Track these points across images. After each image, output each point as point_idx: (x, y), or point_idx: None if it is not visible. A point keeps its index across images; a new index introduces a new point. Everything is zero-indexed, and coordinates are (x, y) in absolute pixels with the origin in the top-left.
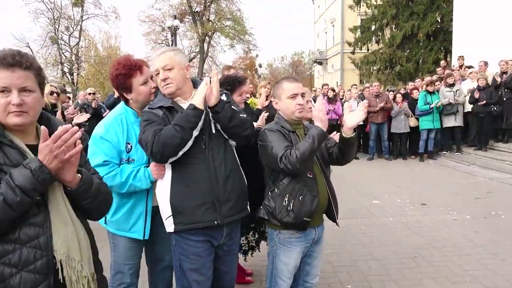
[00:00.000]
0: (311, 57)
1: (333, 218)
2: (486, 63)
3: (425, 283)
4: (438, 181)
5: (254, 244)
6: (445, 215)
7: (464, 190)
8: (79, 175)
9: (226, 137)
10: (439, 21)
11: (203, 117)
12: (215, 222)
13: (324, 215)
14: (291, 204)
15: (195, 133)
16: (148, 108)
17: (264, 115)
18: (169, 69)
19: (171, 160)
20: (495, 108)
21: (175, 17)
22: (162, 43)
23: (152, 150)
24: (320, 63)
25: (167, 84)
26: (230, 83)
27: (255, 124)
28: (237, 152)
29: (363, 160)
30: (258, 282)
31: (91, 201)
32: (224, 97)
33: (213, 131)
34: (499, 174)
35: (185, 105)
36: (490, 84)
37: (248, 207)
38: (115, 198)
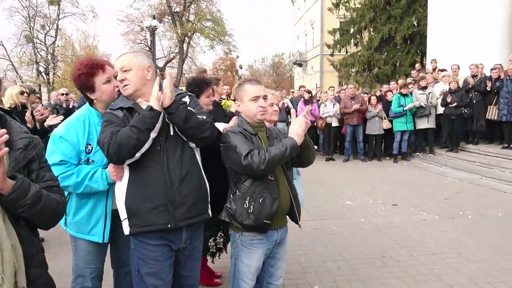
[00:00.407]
0: (291, 59)
1: (295, 220)
2: (458, 67)
3: (391, 282)
4: (410, 182)
5: (221, 246)
6: (415, 216)
7: (434, 191)
8: (13, 181)
9: (185, 139)
10: (416, 24)
11: (160, 118)
12: (168, 225)
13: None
14: (252, 206)
15: (153, 135)
16: (109, 109)
17: (236, 119)
18: (126, 71)
19: (128, 161)
20: (466, 111)
21: (154, 17)
22: (140, 43)
23: (108, 151)
24: (300, 65)
25: (125, 86)
26: (197, 85)
27: (224, 126)
28: (203, 154)
29: (339, 161)
30: (226, 284)
31: (27, 209)
32: (186, 99)
33: (171, 133)
34: (469, 175)
35: (145, 107)
36: (461, 87)
37: (210, 210)
38: (74, 199)
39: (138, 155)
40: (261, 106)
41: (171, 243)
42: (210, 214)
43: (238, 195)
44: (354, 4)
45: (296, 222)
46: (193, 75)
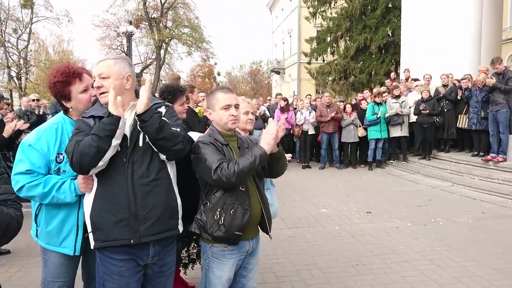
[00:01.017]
0: (269, 66)
1: (265, 231)
2: (431, 77)
3: None
4: (384, 189)
5: (194, 257)
6: (388, 223)
7: (407, 198)
8: None
9: (156, 150)
10: (390, 34)
11: (121, 124)
12: (131, 240)
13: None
14: (222, 218)
15: (115, 141)
16: (81, 116)
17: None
18: (104, 78)
19: (92, 171)
20: (438, 119)
21: (130, 23)
22: (117, 48)
23: (72, 160)
24: (278, 73)
25: (102, 93)
26: (170, 92)
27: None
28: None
29: (315, 169)
30: None
31: None
32: (162, 109)
33: (140, 144)
34: (441, 182)
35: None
36: (432, 96)
37: (180, 226)
38: (45, 209)
39: (101, 164)
40: (233, 115)
41: (137, 258)
42: (181, 230)
43: (209, 206)
44: (331, 13)
45: (267, 233)
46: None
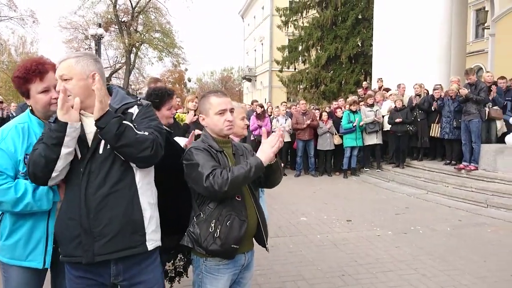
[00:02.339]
0: (241, 74)
1: (262, 242)
2: (405, 86)
3: None
4: (361, 197)
5: (181, 270)
6: (369, 231)
7: (385, 206)
8: None
9: (123, 158)
10: (360, 45)
11: (69, 131)
12: (82, 260)
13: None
14: (218, 230)
15: (66, 150)
16: (49, 121)
17: (194, 133)
18: (66, 80)
19: (50, 182)
20: (411, 128)
21: (99, 26)
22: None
23: (28, 170)
24: (249, 80)
25: (55, 98)
26: (158, 96)
27: (185, 141)
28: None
29: (290, 176)
30: None
31: None
32: (133, 109)
33: (100, 151)
34: (415, 190)
35: (89, 120)
36: (406, 106)
37: (148, 244)
38: (9, 218)
39: (55, 175)
40: (228, 120)
41: (97, 277)
42: (150, 247)
43: (203, 218)
44: (303, 23)
45: (264, 246)
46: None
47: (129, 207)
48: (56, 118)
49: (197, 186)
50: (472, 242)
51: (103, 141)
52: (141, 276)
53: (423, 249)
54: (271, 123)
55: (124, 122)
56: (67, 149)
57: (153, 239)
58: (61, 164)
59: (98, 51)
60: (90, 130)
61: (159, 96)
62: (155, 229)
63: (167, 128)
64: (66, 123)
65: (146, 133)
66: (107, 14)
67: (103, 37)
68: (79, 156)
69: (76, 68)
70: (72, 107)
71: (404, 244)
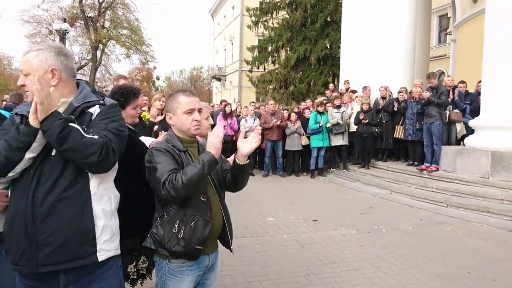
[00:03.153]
0: (210, 73)
1: (227, 244)
2: (370, 89)
3: None
4: (327, 197)
5: (144, 272)
6: (334, 231)
7: (350, 206)
8: None
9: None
10: (328, 47)
11: (39, 136)
12: (22, 269)
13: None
14: (182, 231)
15: (30, 155)
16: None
17: (164, 134)
18: (26, 75)
19: (2, 181)
20: (376, 130)
21: (64, 20)
22: None
23: None
24: (219, 79)
25: (26, 92)
26: (123, 94)
27: (152, 141)
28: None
29: (258, 176)
30: None
31: None
32: (93, 109)
33: (53, 153)
34: (380, 190)
35: None
36: (372, 108)
37: (101, 253)
38: None
39: (12, 174)
40: (196, 120)
41: (47, 286)
42: (101, 258)
43: (166, 218)
44: (273, 23)
45: (228, 247)
46: (106, 83)
47: (78, 215)
48: (27, 122)
49: (156, 190)
50: (432, 241)
51: None
52: (93, 285)
53: (386, 248)
54: (238, 123)
55: (70, 124)
56: (31, 154)
57: (105, 249)
58: (21, 167)
59: None
60: None
61: (124, 94)
62: (110, 239)
63: (132, 128)
64: (37, 129)
65: (96, 137)
66: (73, 8)
67: (68, 32)
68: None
69: (33, 62)
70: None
71: (368, 243)
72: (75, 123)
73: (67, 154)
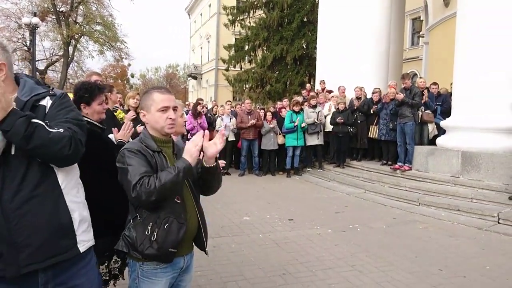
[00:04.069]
0: (186, 71)
1: (202, 246)
2: (345, 88)
3: None
4: (303, 197)
5: (117, 272)
6: (310, 230)
7: (325, 205)
8: None
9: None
10: (305, 47)
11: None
12: (5, 273)
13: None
14: (155, 233)
15: None
16: None
17: (130, 126)
18: None
19: None
20: (351, 129)
21: (35, 14)
22: (18, 41)
23: None
24: (195, 78)
25: None
26: (88, 90)
27: (115, 135)
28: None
29: (234, 176)
30: None
31: None
32: (45, 101)
33: (12, 152)
34: (354, 189)
35: None
36: (347, 108)
37: (83, 244)
38: None
39: None
40: (171, 118)
41: (24, 287)
42: (82, 249)
43: (139, 220)
44: (250, 22)
45: (203, 249)
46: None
47: (54, 211)
48: None
49: (127, 193)
50: (405, 239)
51: None
52: (73, 280)
53: (360, 247)
54: (208, 122)
55: (33, 121)
56: None
57: (84, 240)
58: None
59: (33, 41)
60: None
61: (89, 90)
62: (86, 229)
63: (98, 125)
64: None
65: (61, 130)
66: (43, 2)
67: (38, 27)
68: None
69: None
70: None
71: (343, 242)
72: (36, 119)
73: (35, 151)
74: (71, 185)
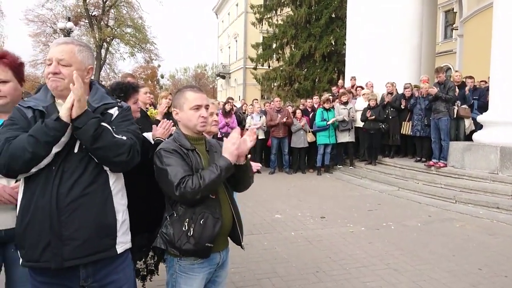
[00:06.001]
0: (214, 71)
1: (238, 241)
2: (373, 84)
3: None
4: (334, 194)
5: (153, 268)
6: (342, 228)
7: (358, 203)
8: None
9: (97, 160)
10: (333, 44)
11: (68, 131)
12: (51, 265)
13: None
14: (192, 229)
15: (56, 149)
16: (19, 104)
17: (166, 122)
18: (65, 65)
19: (21, 176)
20: (383, 126)
21: (69, 19)
22: None
23: None
24: (223, 77)
25: (57, 79)
26: (122, 90)
27: (151, 134)
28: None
29: (265, 174)
30: None
31: None
32: (113, 111)
33: (75, 150)
34: (387, 186)
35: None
36: (378, 104)
37: (120, 245)
38: None
39: (34, 170)
40: (203, 116)
41: (65, 281)
42: (120, 250)
43: (176, 217)
44: (277, 20)
45: (239, 244)
46: (110, 82)
47: (102, 211)
48: (58, 117)
49: (169, 192)
50: (441, 237)
51: (77, 140)
52: (111, 276)
53: (395, 245)
54: (237, 120)
55: (102, 124)
56: (58, 148)
57: (123, 241)
58: (46, 161)
59: None
60: None
61: (124, 90)
62: (126, 231)
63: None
64: (68, 124)
65: (124, 138)
66: (77, 7)
67: (72, 31)
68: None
69: (78, 56)
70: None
71: (377, 240)
72: (105, 123)
73: (98, 152)
74: (118, 189)
